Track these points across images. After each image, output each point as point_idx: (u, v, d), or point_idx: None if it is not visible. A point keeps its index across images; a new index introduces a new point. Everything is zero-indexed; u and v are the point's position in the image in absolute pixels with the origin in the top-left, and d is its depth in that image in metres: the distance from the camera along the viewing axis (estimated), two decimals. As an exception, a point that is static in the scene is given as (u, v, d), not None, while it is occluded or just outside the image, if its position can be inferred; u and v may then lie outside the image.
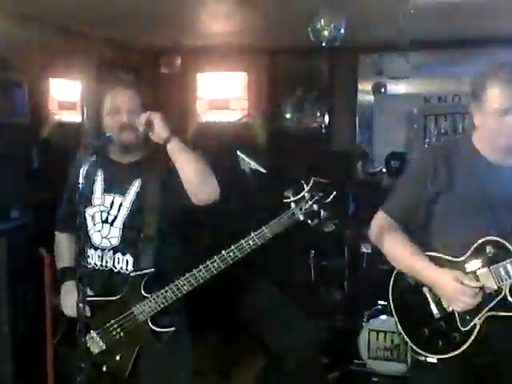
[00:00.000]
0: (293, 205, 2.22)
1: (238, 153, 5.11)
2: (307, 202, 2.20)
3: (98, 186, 2.45)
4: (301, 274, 4.78)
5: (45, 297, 3.28)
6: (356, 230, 4.31)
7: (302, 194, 2.21)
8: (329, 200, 2.20)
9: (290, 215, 2.22)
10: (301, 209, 2.21)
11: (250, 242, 2.25)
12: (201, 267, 2.29)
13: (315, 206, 2.19)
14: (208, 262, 2.28)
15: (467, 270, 2.06)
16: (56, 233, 2.63)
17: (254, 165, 5.06)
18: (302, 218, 2.22)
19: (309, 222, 2.22)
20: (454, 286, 2.02)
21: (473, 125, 2.16)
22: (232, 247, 2.26)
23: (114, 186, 2.43)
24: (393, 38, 4.81)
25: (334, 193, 2.21)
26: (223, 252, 2.27)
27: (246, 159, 5.11)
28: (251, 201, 4.51)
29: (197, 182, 2.30)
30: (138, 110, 2.36)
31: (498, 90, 1.99)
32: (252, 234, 2.25)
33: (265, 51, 6.04)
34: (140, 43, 5.78)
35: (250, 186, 4.92)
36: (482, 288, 2.02)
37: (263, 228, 2.24)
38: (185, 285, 2.31)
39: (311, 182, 2.22)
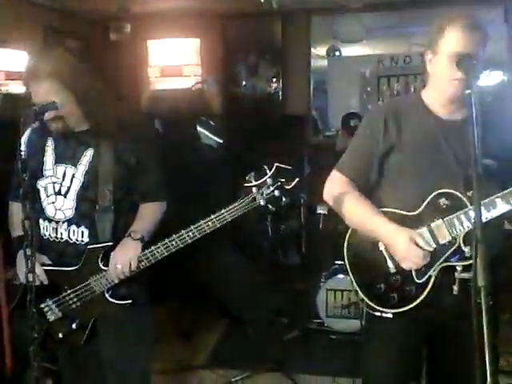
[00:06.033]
0: (254, 189, 2.23)
1: (198, 128, 5.09)
2: (269, 188, 2.21)
3: (49, 156, 2.39)
4: (259, 237, 4.82)
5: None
6: (312, 192, 4.34)
7: (264, 179, 2.22)
8: (290, 186, 2.22)
9: (251, 200, 2.23)
10: (262, 194, 2.21)
11: (210, 224, 2.24)
12: (159, 245, 2.29)
13: (277, 192, 2.20)
14: (167, 241, 2.28)
15: (421, 223, 2.09)
16: (10, 202, 2.56)
17: (211, 136, 5.06)
18: (262, 203, 2.22)
19: (269, 207, 2.23)
20: (407, 246, 2.04)
21: (423, 82, 2.17)
22: (191, 227, 2.25)
23: (66, 155, 2.37)
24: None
25: (297, 179, 2.23)
26: (182, 231, 2.26)
27: (205, 132, 5.10)
28: (212, 175, 4.52)
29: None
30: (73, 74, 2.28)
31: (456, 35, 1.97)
32: (212, 217, 2.24)
33: (216, 16, 5.95)
34: (88, 10, 5.62)
35: (212, 160, 4.92)
36: (436, 244, 2.05)
37: (223, 211, 2.24)
38: (143, 261, 2.30)
39: (274, 167, 2.23)
